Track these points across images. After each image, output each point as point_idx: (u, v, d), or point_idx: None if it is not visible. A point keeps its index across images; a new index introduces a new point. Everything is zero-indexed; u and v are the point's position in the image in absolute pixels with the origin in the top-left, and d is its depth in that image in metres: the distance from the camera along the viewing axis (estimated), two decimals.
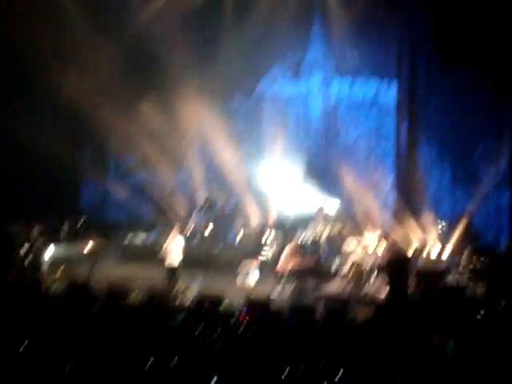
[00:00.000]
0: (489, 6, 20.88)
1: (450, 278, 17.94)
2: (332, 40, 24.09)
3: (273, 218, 22.78)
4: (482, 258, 18.84)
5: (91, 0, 21.60)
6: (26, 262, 20.07)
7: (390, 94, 23.84)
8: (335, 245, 20.51)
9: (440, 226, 21.14)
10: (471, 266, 18.52)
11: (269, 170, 24.21)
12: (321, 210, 21.57)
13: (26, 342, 12.60)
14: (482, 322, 14.82)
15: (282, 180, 23.99)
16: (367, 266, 18.71)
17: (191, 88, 23.06)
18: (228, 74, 23.40)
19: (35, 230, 20.95)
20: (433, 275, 17.75)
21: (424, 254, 19.55)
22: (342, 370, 11.57)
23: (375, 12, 22.35)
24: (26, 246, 20.32)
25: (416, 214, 21.91)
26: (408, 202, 22.64)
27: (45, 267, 20.17)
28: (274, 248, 20.56)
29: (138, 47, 23.62)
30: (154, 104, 23.17)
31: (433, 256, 19.78)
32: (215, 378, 11.41)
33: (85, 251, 20.65)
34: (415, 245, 20.22)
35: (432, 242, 20.45)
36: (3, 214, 21.49)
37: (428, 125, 23.30)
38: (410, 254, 19.30)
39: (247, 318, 14.77)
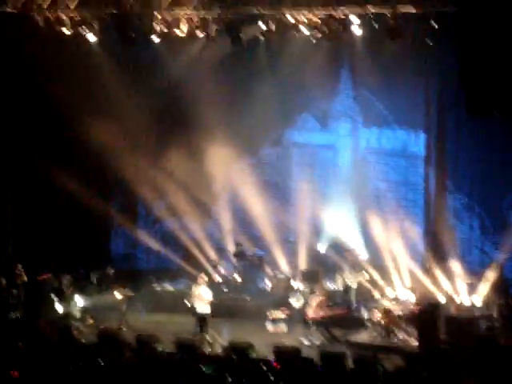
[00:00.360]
0: None
1: (483, 326, 17.73)
2: (359, 90, 24.21)
3: (302, 264, 22.73)
4: None
5: (121, 49, 21.85)
6: (57, 311, 20.19)
7: (418, 144, 23.83)
8: (365, 293, 20.43)
9: (470, 276, 20.96)
10: (503, 315, 18.32)
11: (298, 217, 24.22)
12: (350, 254, 21.53)
13: None
14: None
15: (310, 228, 23.98)
16: (398, 315, 18.57)
17: (220, 136, 23.23)
18: (257, 123, 23.53)
19: (66, 280, 21.09)
20: (465, 323, 17.57)
21: (455, 303, 19.34)
22: None
23: (403, 63, 22.42)
24: (57, 295, 20.46)
25: (445, 263, 21.75)
26: (437, 252, 22.49)
27: (75, 317, 20.25)
28: (304, 296, 20.45)
29: (167, 96, 23.91)
30: (183, 152, 23.31)
31: (464, 304, 19.55)
32: None
33: (114, 301, 20.68)
34: (445, 293, 20.05)
35: (462, 291, 20.27)
36: (34, 263, 21.65)
37: (456, 175, 23.25)
38: (440, 302, 19.17)
39: (277, 366, 14.71)
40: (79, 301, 20.73)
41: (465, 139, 22.88)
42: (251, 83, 23.52)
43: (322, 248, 23.61)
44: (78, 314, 20.38)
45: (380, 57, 22.16)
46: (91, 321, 20.15)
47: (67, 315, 20.20)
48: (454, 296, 19.74)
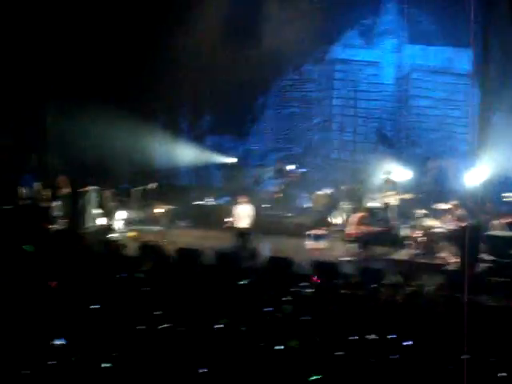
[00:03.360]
0: None
1: None
2: (405, 6, 23.73)
3: (343, 182, 22.66)
4: None
5: None
6: (99, 224, 20.45)
7: (464, 61, 23.40)
8: (406, 212, 20.34)
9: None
10: None
11: (340, 135, 24.11)
12: (390, 175, 21.35)
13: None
14: None
15: (353, 145, 23.87)
16: (439, 233, 18.50)
17: (263, 50, 23.03)
18: (300, 39, 23.23)
19: (109, 193, 21.30)
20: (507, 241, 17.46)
21: (497, 222, 19.17)
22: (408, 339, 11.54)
23: None
24: (100, 208, 20.70)
25: (489, 182, 21.54)
26: (481, 170, 22.27)
27: (117, 230, 20.51)
28: (345, 213, 20.46)
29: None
30: (226, 65, 23.20)
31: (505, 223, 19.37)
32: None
33: (156, 215, 20.88)
34: (487, 213, 19.89)
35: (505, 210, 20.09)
36: (78, 176, 21.87)
37: (502, 93, 22.84)
38: (483, 221, 19.03)
39: (317, 280, 14.84)
40: (122, 214, 20.96)
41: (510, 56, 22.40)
42: None
43: (363, 165, 23.48)
44: (120, 227, 20.63)
45: None
46: (134, 234, 20.38)
47: (109, 228, 20.46)
48: (498, 215, 19.53)
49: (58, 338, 11.20)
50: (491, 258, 17.01)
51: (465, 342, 10.21)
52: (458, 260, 17.35)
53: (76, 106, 23.55)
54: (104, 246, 17.24)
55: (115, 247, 17.52)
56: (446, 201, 19.83)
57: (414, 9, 23.43)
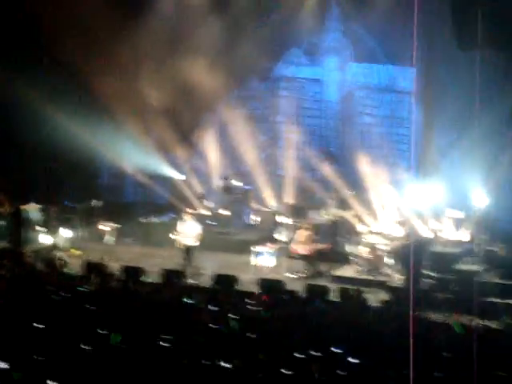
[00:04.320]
0: None
1: (467, 262, 17.82)
2: (348, 24, 23.99)
3: (289, 199, 22.74)
4: (500, 245, 18.72)
5: None
6: (43, 242, 20.19)
7: (406, 79, 23.69)
8: (351, 228, 20.46)
9: (456, 212, 20.97)
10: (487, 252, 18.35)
11: (285, 152, 24.21)
12: (335, 192, 21.49)
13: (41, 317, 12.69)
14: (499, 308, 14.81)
15: (297, 163, 23.97)
16: (383, 250, 18.64)
17: (208, 69, 23.01)
18: (246, 56, 23.30)
19: (52, 211, 21.06)
20: (449, 258, 17.67)
21: (442, 238, 19.39)
22: (355, 355, 11.56)
23: None
24: (43, 226, 20.45)
25: (432, 198, 21.78)
26: (424, 187, 22.52)
27: (61, 248, 20.26)
28: (290, 230, 20.51)
29: (157, 28, 23.53)
30: (170, 84, 23.10)
31: (449, 240, 19.60)
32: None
33: (101, 233, 20.71)
34: (431, 228, 20.11)
35: (449, 226, 20.31)
36: (20, 194, 21.56)
37: (444, 111, 23.15)
38: (426, 237, 19.22)
39: (264, 297, 14.82)
40: (65, 232, 20.72)
41: (452, 72, 22.71)
42: (241, 17, 23.25)
43: (308, 182, 23.58)
44: (63, 245, 20.38)
45: None
46: (77, 252, 20.16)
47: (53, 246, 20.21)
48: (441, 230, 19.76)
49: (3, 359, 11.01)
50: (434, 274, 17.18)
51: (411, 357, 10.26)
52: (402, 276, 17.51)
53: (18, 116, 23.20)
54: (47, 265, 16.99)
55: (58, 265, 17.29)
56: (391, 217, 20.04)
57: (357, 27, 23.67)
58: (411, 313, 13.02)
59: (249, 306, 14.22)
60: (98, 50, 22.14)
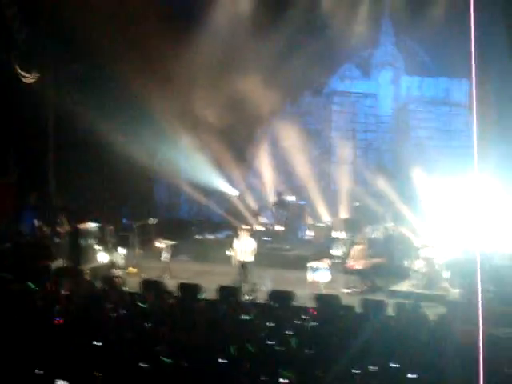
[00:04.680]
0: None
1: None
2: (401, 38, 23.95)
3: (343, 214, 22.73)
4: None
5: None
6: (100, 260, 20.46)
7: (460, 91, 23.56)
8: (406, 242, 20.35)
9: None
10: None
11: (339, 167, 24.22)
12: (391, 207, 21.39)
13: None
14: None
15: (352, 177, 23.96)
16: (440, 263, 18.51)
17: (262, 85, 23.15)
18: (299, 71, 23.41)
19: (109, 230, 21.30)
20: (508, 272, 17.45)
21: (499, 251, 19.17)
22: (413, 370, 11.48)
23: (444, 10, 22.09)
24: (100, 245, 20.70)
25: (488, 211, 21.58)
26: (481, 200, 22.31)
27: (118, 266, 20.48)
28: (345, 245, 20.47)
29: (208, 44, 23.72)
30: (224, 102, 23.27)
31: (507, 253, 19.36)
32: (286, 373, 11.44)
33: (157, 250, 20.85)
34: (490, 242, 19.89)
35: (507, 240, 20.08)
36: (78, 212, 21.91)
37: (499, 123, 22.94)
38: (484, 250, 19.01)
39: (318, 313, 14.80)
40: (122, 250, 20.94)
41: (508, 87, 22.52)
42: (294, 32, 23.36)
43: (362, 197, 23.54)
44: (120, 263, 20.61)
45: (423, 4, 21.86)
46: (134, 270, 20.36)
47: (110, 264, 20.45)
48: (499, 245, 19.53)
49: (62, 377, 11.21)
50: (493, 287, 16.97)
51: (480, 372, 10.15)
52: (460, 290, 17.37)
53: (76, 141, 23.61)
54: (105, 283, 17.19)
55: (116, 283, 17.47)
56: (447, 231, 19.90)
57: (410, 40, 23.63)
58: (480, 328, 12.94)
59: (305, 322, 14.20)
60: (154, 68, 22.40)
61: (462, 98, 23.44)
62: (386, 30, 24.16)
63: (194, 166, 25.00)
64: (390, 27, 24.05)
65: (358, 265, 19.05)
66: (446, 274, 18.40)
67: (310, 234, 22.68)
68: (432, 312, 15.18)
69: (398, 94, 24.24)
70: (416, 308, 15.21)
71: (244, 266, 18.66)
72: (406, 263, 19.48)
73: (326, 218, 22.98)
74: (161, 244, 20.67)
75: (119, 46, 21.36)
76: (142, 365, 11.75)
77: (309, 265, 19.63)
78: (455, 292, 17.67)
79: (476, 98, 22.79)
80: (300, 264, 20.07)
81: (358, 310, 15.22)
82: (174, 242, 20.89)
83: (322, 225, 22.69)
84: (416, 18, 22.67)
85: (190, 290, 16.70)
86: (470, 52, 20.64)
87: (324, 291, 17.70)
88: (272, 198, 23.99)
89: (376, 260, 19.51)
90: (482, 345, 10.14)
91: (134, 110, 23.16)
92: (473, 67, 19.60)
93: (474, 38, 22.20)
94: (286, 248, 22.20)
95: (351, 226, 21.63)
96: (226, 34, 23.42)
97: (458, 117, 23.70)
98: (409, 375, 11.42)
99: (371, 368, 11.66)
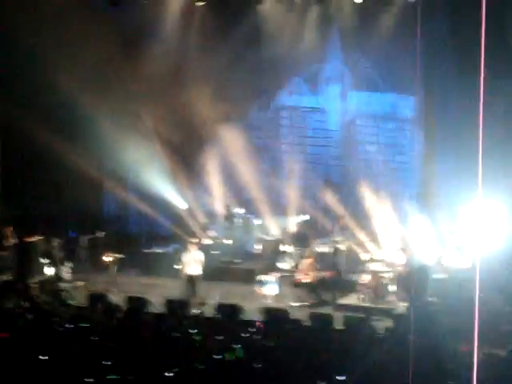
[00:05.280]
0: (505, 17, 20.88)
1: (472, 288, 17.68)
2: (349, 54, 24.15)
3: (291, 228, 22.82)
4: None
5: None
6: (46, 274, 20.23)
7: (407, 107, 23.84)
8: (354, 256, 20.51)
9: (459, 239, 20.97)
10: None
11: (288, 181, 24.34)
12: (340, 220, 21.52)
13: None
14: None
15: (300, 191, 24.09)
16: (387, 277, 18.68)
17: (209, 100, 23.21)
18: (246, 87, 23.51)
19: (55, 243, 21.10)
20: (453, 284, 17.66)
21: (444, 265, 19.41)
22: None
23: (392, 26, 22.38)
24: (46, 258, 20.47)
25: (433, 225, 21.89)
26: (426, 214, 22.61)
27: (65, 279, 20.28)
28: (294, 259, 20.53)
29: (154, 58, 23.70)
30: (171, 117, 23.28)
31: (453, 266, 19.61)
32: None
33: (104, 264, 20.70)
34: (434, 255, 20.14)
35: (451, 252, 20.34)
36: (24, 226, 21.64)
37: (445, 137, 23.24)
38: (429, 263, 19.24)
39: (266, 327, 14.82)
40: (69, 264, 20.74)
41: (453, 100, 22.83)
42: (241, 47, 23.49)
43: (310, 211, 23.68)
44: (67, 277, 20.40)
45: (369, 20, 22.11)
46: (81, 283, 20.18)
47: (57, 278, 20.23)
48: (443, 258, 19.77)
49: None
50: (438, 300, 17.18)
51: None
52: (406, 303, 17.54)
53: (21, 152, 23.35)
54: (51, 296, 17.02)
55: (63, 297, 17.31)
56: (393, 245, 20.11)
57: (357, 56, 23.83)
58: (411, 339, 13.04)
59: (253, 336, 14.21)
60: (101, 79, 22.30)
61: (409, 113, 23.71)
62: (333, 46, 24.32)
63: (143, 178, 24.93)
64: (338, 42, 24.22)
65: (306, 278, 19.11)
66: (393, 288, 18.57)
67: (258, 247, 22.69)
68: (379, 325, 15.30)
69: (345, 109, 24.42)
70: (364, 321, 15.33)
71: (192, 279, 18.61)
72: (353, 277, 19.61)
73: (274, 231, 23.04)
74: (108, 257, 20.52)
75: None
76: (87, 380, 11.66)
77: (257, 278, 19.69)
78: (402, 305, 17.82)
79: (421, 113, 23.25)
80: (248, 277, 20.11)
81: (306, 323, 15.28)
82: (121, 256, 20.77)
83: (270, 238, 22.74)
84: (364, 35, 22.93)
85: (137, 304, 16.62)
86: (417, 67, 21.00)
87: (272, 305, 17.71)
88: (220, 212, 23.97)
89: (323, 273, 19.63)
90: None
91: (82, 120, 22.98)
92: (418, 80, 19.86)
93: (421, 53, 22.58)
94: (234, 261, 22.21)
95: (299, 239, 21.73)
96: (173, 48, 23.45)
97: (404, 132, 23.95)
98: None
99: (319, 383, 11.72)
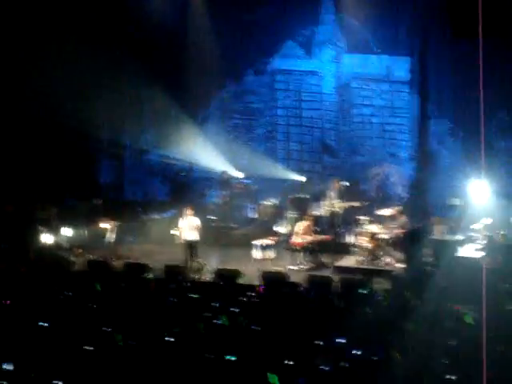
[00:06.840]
0: None
1: (467, 250, 17.78)
2: (342, 16, 24.01)
3: (288, 192, 22.86)
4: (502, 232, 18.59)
5: None
6: (45, 242, 20.28)
7: (402, 69, 23.73)
8: (350, 218, 20.57)
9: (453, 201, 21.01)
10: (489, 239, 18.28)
11: (284, 145, 24.36)
12: (335, 183, 21.49)
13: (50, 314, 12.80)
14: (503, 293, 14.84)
15: (296, 155, 24.13)
16: (383, 239, 18.75)
17: (204, 65, 23.19)
18: (240, 51, 23.47)
19: (53, 211, 21.14)
20: (449, 245, 17.71)
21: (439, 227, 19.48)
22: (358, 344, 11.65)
23: None
24: (44, 226, 20.53)
25: (429, 187, 21.98)
26: (422, 177, 22.68)
27: (63, 247, 20.35)
28: (291, 222, 20.57)
29: (150, 25, 23.67)
30: (166, 82, 23.27)
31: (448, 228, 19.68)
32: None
33: (102, 231, 20.75)
34: (430, 217, 20.24)
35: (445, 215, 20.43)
36: (22, 194, 21.67)
37: (440, 99, 23.20)
38: (425, 225, 19.34)
39: (264, 291, 14.92)
40: (67, 231, 20.80)
41: (448, 63, 22.75)
42: (234, 10, 23.41)
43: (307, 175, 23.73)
44: (66, 245, 20.47)
45: None
46: (80, 251, 20.25)
47: (55, 245, 20.30)
48: (440, 220, 19.84)
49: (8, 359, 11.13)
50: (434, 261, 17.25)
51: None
52: (402, 265, 17.67)
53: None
54: (50, 264, 17.08)
55: (61, 264, 17.37)
56: (389, 207, 20.17)
57: (351, 19, 23.69)
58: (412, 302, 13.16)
59: (251, 299, 14.32)
60: None
61: (404, 75, 23.61)
62: (326, 8, 24.17)
63: (138, 145, 24.96)
64: (331, 5, 24.07)
65: (304, 241, 19.18)
66: (390, 249, 18.68)
67: (255, 212, 22.75)
68: (377, 287, 15.40)
69: (340, 72, 24.31)
70: (362, 283, 15.43)
71: (190, 245, 18.67)
72: (351, 239, 19.70)
73: (271, 196, 23.04)
74: (106, 224, 20.56)
75: None
76: (86, 348, 11.75)
77: (254, 242, 19.79)
78: (399, 267, 17.94)
79: (416, 75, 23.17)
80: (246, 242, 20.20)
81: (305, 286, 15.38)
82: (118, 223, 20.81)
83: (268, 203, 22.75)
84: None
85: (136, 270, 16.71)
86: (410, 28, 20.86)
87: (270, 268, 17.81)
88: (217, 177, 23.97)
89: (320, 236, 19.73)
90: None
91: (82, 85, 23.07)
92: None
93: (415, 13, 22.46)
94: (231, 226, 22.27)
95: (297, 203, 21.76)
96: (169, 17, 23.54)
97: (399, 94, 23.86)
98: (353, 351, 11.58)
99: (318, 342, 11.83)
